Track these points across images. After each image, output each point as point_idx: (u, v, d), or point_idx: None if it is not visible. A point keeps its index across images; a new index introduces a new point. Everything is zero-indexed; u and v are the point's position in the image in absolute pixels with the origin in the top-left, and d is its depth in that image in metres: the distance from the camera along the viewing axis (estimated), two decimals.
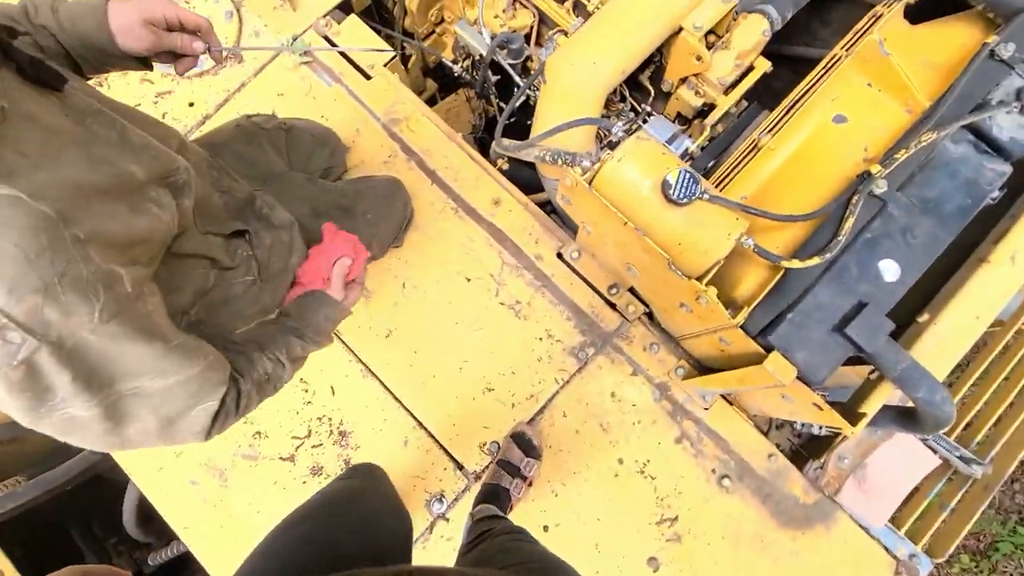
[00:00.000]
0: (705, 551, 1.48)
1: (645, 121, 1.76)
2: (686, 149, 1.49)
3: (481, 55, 1.89)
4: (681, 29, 1.47)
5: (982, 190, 1.16)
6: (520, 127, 1.78)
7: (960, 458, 1.44)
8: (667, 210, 1.15)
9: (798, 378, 1.09)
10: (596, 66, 1.36)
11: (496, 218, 1.67)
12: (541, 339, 1.59)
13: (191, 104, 1.76)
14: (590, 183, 1.21)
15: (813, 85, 1.31)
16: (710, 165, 1.56)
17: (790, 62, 1.71)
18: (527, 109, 1.65)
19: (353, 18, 1.82)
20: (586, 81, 1.37)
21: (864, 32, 1.32)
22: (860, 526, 1.46)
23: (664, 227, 1.17)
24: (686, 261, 1.17)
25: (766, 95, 1.64)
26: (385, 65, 1.78)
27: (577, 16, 1.71)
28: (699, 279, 1.17)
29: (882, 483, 1.43)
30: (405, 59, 2.35)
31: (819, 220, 1.18)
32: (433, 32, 2.32)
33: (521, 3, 1.82)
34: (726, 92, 1.55)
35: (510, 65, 1.86)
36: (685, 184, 1.12)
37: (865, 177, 1.15)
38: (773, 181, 1.32)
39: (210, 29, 0.98)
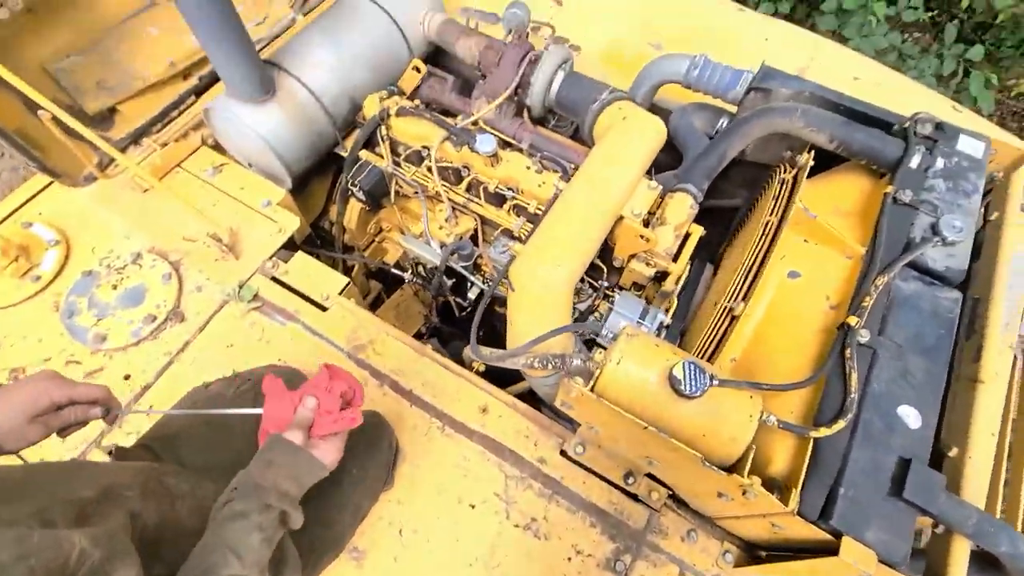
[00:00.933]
0: None
1: (606, 296, 1.82)
2: (661, 322, 1.52)
3: (435, 265, 1.94)
4: (622, 217, 1.59)
5: (947, 318, 1.23)
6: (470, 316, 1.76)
7: None
8: (680, 404, 1.10)
9: (881, 562, 0.98)
10: (560, 269, 1.40)
11: (487, 427, 1.55)
12: (570, 558, 1.39)
13: (126, 377, 1.59)
14: (593, 389, 1.16)
15: (758, 250, 1.41)
16: (682, 329, 1.59)
17: (706, 212, 1.90)
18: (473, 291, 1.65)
19: (301, 255, 1.82)
20: (554, 285, 1.39)
21: (786, 198, 1.48)
22: None
23: (682, 422, 1.11)
24: (715, 452, 1.10)
25: (697, 248, 1.78)
26: (340, 293, 1.75)
27: (518, 216, 1.82)
28: (734, 468, 1.09)
29: None
30: (348, 269, 2.37)
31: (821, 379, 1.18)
32: (373, 242, 2.39)
33: (461, 211, 1.93)
34: (674, 259, 1.65)
35: (463, 267, 1.91)
36: (693, 376, 1.09)
37: (847, 329, 1.20)
38: (755, 343, 1.35)
39: (109, 396, 0.88)
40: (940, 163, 1.44)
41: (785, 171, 1.62)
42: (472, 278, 1.88)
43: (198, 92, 2.07)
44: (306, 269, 1.79)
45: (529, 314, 1.41)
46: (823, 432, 1.09)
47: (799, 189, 1.44)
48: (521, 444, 1.53)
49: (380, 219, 2.27)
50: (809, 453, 1.09)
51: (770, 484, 1.15)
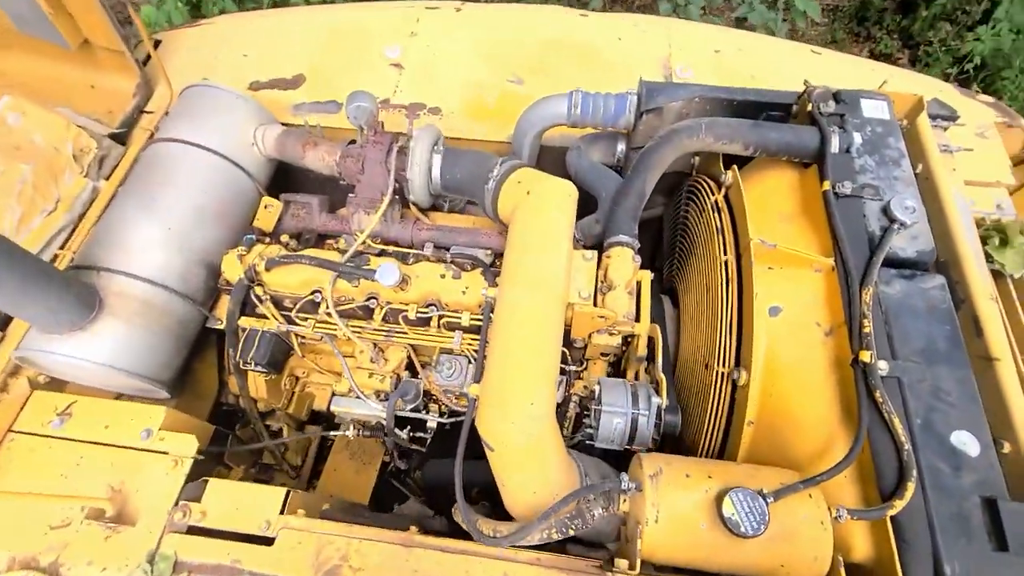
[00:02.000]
0: None
1: (578, 377, 1.61)
2: (658, 407, 1.33)
3: (379, 420, 1.63)
4: (571, 304, 1.39)
5: (944, 311, 1.14)
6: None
7: None
8: (744, 543, 0.91)
9: None
10: (535, 406, 1.16)
11: None
12: None
13: None
14: (638, 568, 0.94)
15: (728, 300, 1.26)
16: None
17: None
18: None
19: (215, 483, 1.43)
20: (536, 430, 1.16)
21: (730, 229, 1.34)
22: None
23: (753, 559, 0.93)
24: None
25: None
26: (283, 511, 1.40)
27: (452, 331, 1.56)
28: None
29: None
30: (275, 433, 1.99)
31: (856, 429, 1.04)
32: (293, 395, 2.02)
33: (381, 350, 1.64)
34: (636, 318, 1.47)
35: (411, 409, 1.62)
36: (747, 508, 0.90)
37: (864, 368, 1.06)
38: (765, 397, 1.20)
39: None
40: (858, 138, 1.36)
41: (709, 191, 1.49)
42: (429, 417, 1.60)
43: None
44: (228, 498, 1.42)
45: (520, 472, 1.17)
46: (899, 505, 0.94)
47: (741, 217, 1.30)
48: None
49: (292, 370, 1.91)
50: (892, 535, 0.95)
51: (857, 571, 1.00)
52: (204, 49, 2.27)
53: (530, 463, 1.16)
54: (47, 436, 1.49)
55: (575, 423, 1.60)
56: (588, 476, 1.30)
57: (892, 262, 1.22)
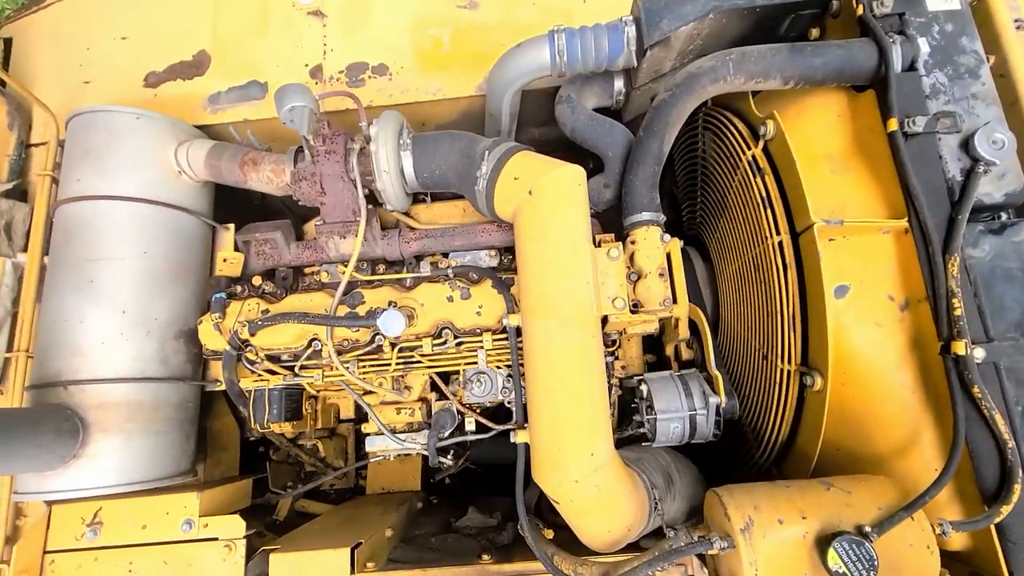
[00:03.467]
0: None
1: (620, 384, 1.50)
2: (717, 405, 1.23)
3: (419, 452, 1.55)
4: (606, 318, 1.23)
5: None
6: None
7: None
8: None
9: None
10: (595, 456, 1.07)
11: None
12: None
13: None
14: None
15: (785, 285, 1.10)
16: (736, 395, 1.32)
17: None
18: None
19: (276, 558, 1.40)
20: (603, 478, 1.07)
21: (779, 198, 1.13)
22: None
23: None
24: None
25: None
26: (354, 570, 1.38)
27: (474, 351, 1.41)
28: None
29: None
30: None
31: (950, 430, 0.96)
32: (317, 412, 1.93)
33: (403, 376, 1.50)
34: (674, 300, 1.32)
35: (453, 439, 1.52)
36: (855, 558, 0.85)
37: (955, 360, 0.95)
38: (838, 389, 1.10)
39: None
40: (924, 46, 1.09)
41: (739, 137, 1.23)
42: (470, 437, 1.52)
43: None
44: (298, 568, 1.39)
45: (592, 519, 1.11)
46: (1005, 511, 0.89)
47: (795, 188, 1.08)
48: None
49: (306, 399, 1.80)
50: (996, 535, 0.91)
51: (957, 564, 0.99)
52: (67, 39, 1.78)
53: (603, 510, 1.10)
54: (87, 549, 1.42)
55: (619, 410, 1.53)
56: (655, 487, 1.26)
57: (977, 210, 1.03)
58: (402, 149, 1.35)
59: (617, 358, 1.55)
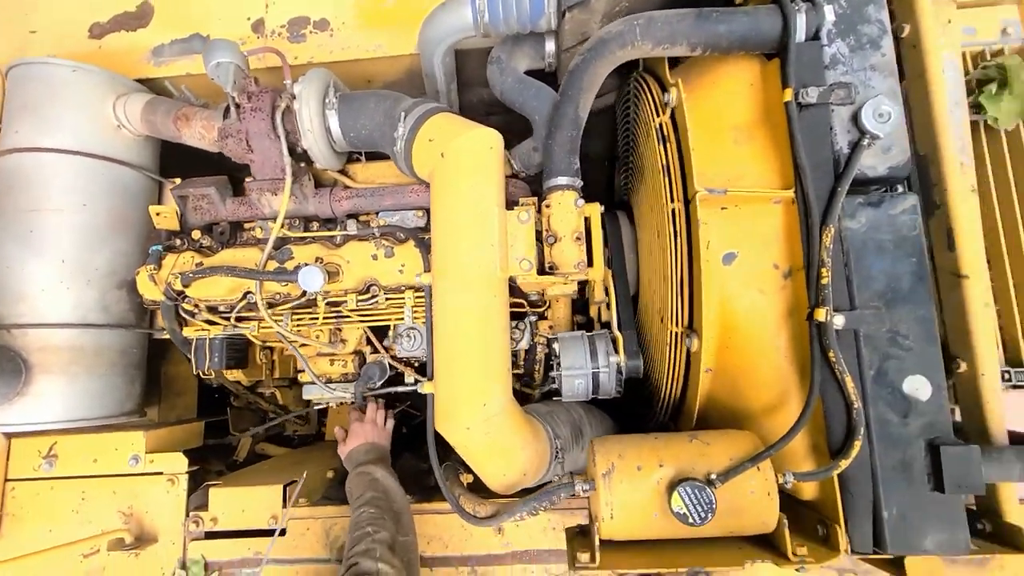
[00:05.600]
0: None
1: (535, 329, 1.57)
2: (617, 364, 1.30)
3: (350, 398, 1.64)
4: (514, 279, 1.28)
5: (913, 238, 1.02)
6: None
7: None
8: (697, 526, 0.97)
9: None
10: (488, 406, 1.14)
11: (512, 543, 1.45)
12: None
13: None
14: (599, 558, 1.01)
15: (679, 256, 1.14)
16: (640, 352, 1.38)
17: None
18: None
19: (216, 492, 1.52)
20: (497, 423, 1.15)
21: (677, 167, 1.15)
22: None
23: (703, 532, 0.99)
24: (749, 533, 1.00)
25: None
26: (287, 503, 1.50)
27: (401, 307, 1.48)
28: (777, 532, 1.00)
29: None
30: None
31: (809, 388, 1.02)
32: (273, 362, 2.03)
33: (339, 329, 1.57)
34: (589, 263, 1.37)
35: (383, 384, 1.60)
36: (694, 501, 0.93)
37: (817, 326, 1.00)
38: (722, 349, 1.16)
39: None
40: (829, 13, 1.08)
41: (653, 103, 1.25)
42: (405, 388, 1.60)
43: None
44: (233, 502, 1.52)
45: (488, 463, 1.20)
46: (844, 465, 0.96)
47: (687, 156, 1.11)
48: (553, 538, 1.44)
49: (262, 344, 1.89)
50: (838, 487, 0.99)
51: (809, 512, 1.07)
52: None
53: (495, 456, 1.18)
54: (44, 479, 1.55)
55: (546, 366, 1.61)
56: (558, 437, 1.35)
57: (858, 184, 1.06)
58: (328, 108, 1.37)
59: (545, 318, 1.61)
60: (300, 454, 2.11)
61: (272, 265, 1.44)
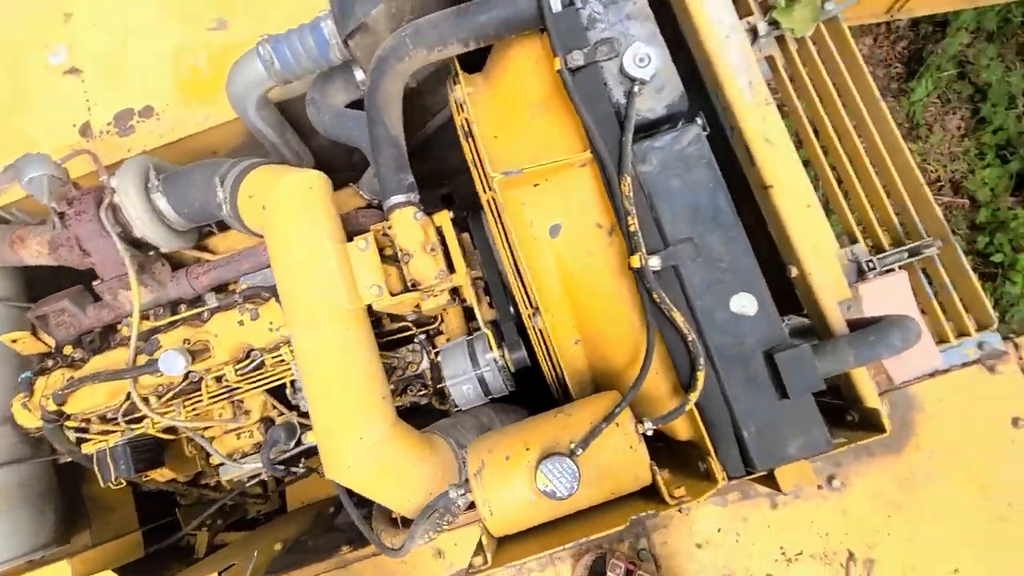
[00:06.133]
0: None
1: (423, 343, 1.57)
2: (493, 360, 1.31)
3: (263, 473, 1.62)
4: (370, 306, 1.28)
5: (705, 164, 1.05)
6: None
7: (911, 253, 1.39)
8: (571, 497, 0.97)
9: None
10: (364, 439, 1.14)
11: (455, 564, 1.43)
12: None
13: None
14: (489, 540, 1.01)
15: (505, 241, 1.16)
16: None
17: None
18: None
19: None
20: (373, 455, 1.14)
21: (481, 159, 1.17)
22: (931, 375, 1.39)
23: (584, 501, 1.00)
24: (630, 490, 1.01)
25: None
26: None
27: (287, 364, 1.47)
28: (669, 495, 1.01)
29: None
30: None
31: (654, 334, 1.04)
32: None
33: (241, 401, 1.56)
34: (451, 270, 1.37)
35: (296, 449, 1.59)
36: (557, 475, 0.94)
37: (639, 272, 1.02)
38: (579, 317, 1.18)
39: None
40: None
41: (458, 103, 1.27)
42: (308, 446, 1.58)
43: None
44: None
45: (385, 492, 1.19)
46: (694, 396, 0.98)
47: (480, 145, 1.13)
48: None
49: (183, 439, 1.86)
50: (700, 420, 1.00)
51: (693, 450, 1.09)
52: None
53: (389, 484, 1.18)
54: None
55: None
56: (463, 446, 1.34)
57: (646, 127, 1.09)
58: (152, 192, 1.37)
59: (441, 332, 1.61)
60: (257, 533, 2.06)
61: (144, 359, 1.42)
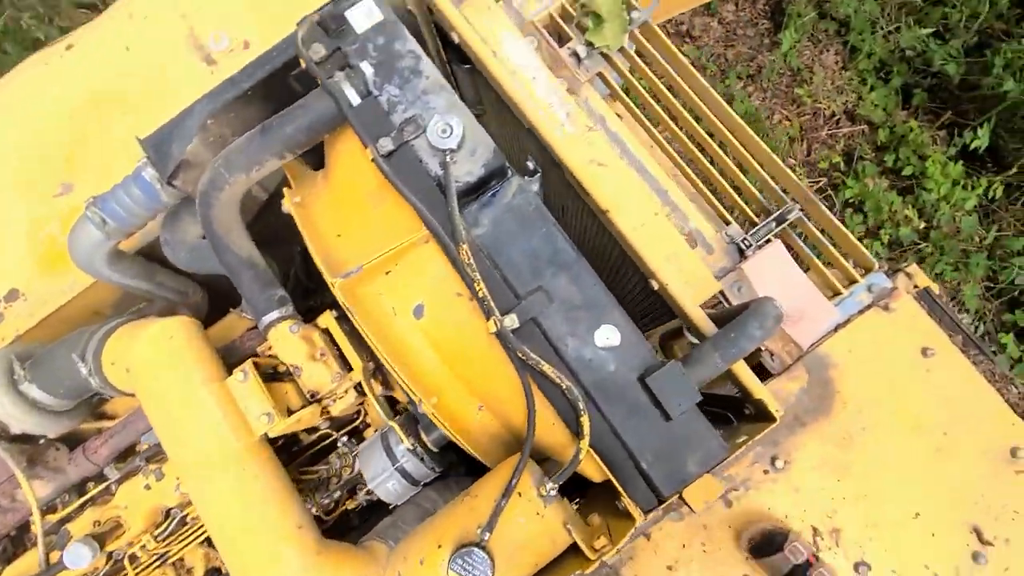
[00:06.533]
0: None
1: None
2: (406, 450, 1.27)
3: None
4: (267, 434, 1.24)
5: (536, 212, 1.06)
6: None
7: (778, 221, 1.43)
8: None
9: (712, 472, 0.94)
10: (286, 562, 1.08)
11: None
12: None
13: None
14: None
15: (369, 339, 1.14)
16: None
17: None
18: None
19: None
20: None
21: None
22: (835, 330, 1.40)
23: None
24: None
25: None
26: None
27: None
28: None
29: (797, 309, 1.38)
30: None
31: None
32: None
33: (182, 560, 1.47)
34: (348, 369, 1.34)
35: None
36: (471, 566, 0.90)
37: (498, 336, 1.01)
38: (479, 382, 1.16)
39: None
40: (368, 70, 1.14)
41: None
42: None
43: None
44: None
45: None
46: (584, 443, 0.97)
47: (316, 257, 1.12)
48: None
49: None
50: (600, 461, 0.98)
51: (610, 489, 1.06)
52: None
53: None
54: None
55: None
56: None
57: (471, 191, 1.10)
58: (21, 383, 1.31)
59: (368, 424, 1.57)
60: None
61: (57, 555, 1.34)
